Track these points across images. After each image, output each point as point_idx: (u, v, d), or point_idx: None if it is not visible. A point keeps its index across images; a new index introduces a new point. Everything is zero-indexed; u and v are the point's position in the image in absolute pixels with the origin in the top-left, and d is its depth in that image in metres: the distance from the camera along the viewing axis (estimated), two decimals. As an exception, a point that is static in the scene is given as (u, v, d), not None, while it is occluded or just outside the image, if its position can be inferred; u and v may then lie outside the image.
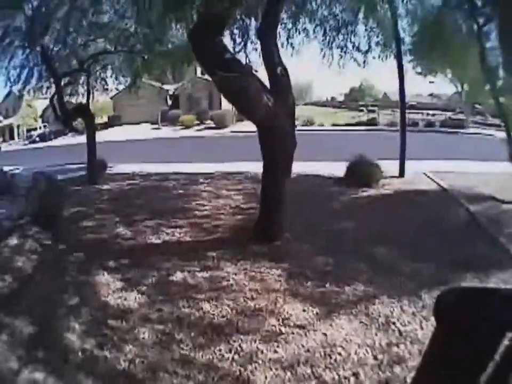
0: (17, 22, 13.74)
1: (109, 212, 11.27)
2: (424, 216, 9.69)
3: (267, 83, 7.98)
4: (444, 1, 11.49)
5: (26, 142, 59.60)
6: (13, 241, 8.37)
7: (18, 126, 69.42)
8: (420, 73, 19.28)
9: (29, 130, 63.10)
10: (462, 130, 37.04)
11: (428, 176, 14.32)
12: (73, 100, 20.55)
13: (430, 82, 22.22)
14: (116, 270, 7.15)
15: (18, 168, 23.33)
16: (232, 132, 38.34)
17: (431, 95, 71.87)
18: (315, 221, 9.44)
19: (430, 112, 53.95)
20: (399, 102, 16.42)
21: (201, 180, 14.87)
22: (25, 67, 16.11)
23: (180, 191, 13.35)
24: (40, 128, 61.81)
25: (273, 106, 7.47)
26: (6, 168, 21.63)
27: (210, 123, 46.64)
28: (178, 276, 6.72)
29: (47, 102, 22.85)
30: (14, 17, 13.36)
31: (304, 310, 5.47)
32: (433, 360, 1.59)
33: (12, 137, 71.00)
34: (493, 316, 1.40)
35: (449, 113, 51.28)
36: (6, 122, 72.78)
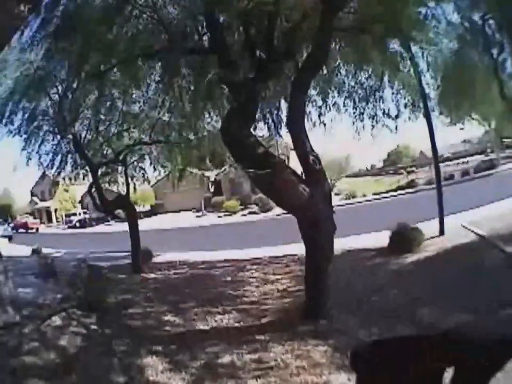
0: (43, 106, 14.29)
1: (156, 300, 11.32)
2: (464, 270, 9.83)
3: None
4: (459, 41, 11.64)
5: (65, 226, 60.49)
6: (58, 322, 8.55)
7: (56, 210, 70.55)
8: (449, 123, 19.36)
9: (67, 215, 64.08)
10: (494, 171, 40.24)
11: (466, 228, 14.47)
12: (113, 188, 20.74)
13: (460, 129, 22.24)
14: (164, 354, 7.20)
15: (59, 252, 23.73)
16: (276, 215, 38.04)
17: (464, 141, 72.02)
18: (360, 294, 9.48)
19: (465, 159, 54.36)
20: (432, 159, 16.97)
21: (248, 266, 14.79)
22: (57, 153, 16.49)
23: (228, 279, 13.24)
24: (79, 214, 62.52)
25: (310, 196, 7.63)
26: (45, 251, 22.10)
27: (254, 207, 46.54)
28: (226, 359, 6.72)
29: (85, 187, 23.24)
30: (39, 100, 13.80)
31: (349, 379, 5.47)
32: None
33: (50, 220, 72.40)
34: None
35: (480, 157, 51.87)
36: (42, 205, 74.36)
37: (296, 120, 8.19)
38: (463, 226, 14.77)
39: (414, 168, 63.61)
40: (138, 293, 12.32)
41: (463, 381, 1.35)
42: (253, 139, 7.87)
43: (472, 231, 13.71)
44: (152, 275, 15.18)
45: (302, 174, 8.34)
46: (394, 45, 10.56)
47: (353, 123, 12.36)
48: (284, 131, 12.65)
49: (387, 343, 1.55)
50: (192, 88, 10.74)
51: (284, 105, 12.37)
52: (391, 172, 74.51)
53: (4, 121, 13.72)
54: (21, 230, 58.31)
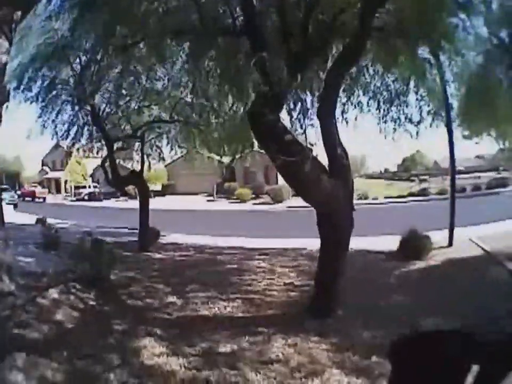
0: (63, 75, 14.13)
1: (159, 281, 11.23)
2: (466, 282, 9.90)
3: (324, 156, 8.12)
4: (485, 56, 11.49)
5: (74, 198, 60.73)
6: (55, 295, 8.45)
7: (66, 181, 70.58)
8: (466, 137, 19.34)
9: (77, 187, 63.84)
10: (504, 189, 41.48)
11: (474, 242, 14.56)
12: (128, 165, 20.89)
13: (475, 143, 22.26)
14: (162, 337, 7.13)
15: (65, 223, 23.76)
16: (288, 206, 38.58)
17: (477, 157, 72.28)
18: (367, 297, 9.35)
19: (477, 174, 54.81)
20: (449, 170, 17.12)
21: (256, 256, 14.66)
22: (73, 124, 16.34)
23: (234, 266, 13.18)
24: (89, 187, 62.39)
25: (333, 190, 7.58)
26: (51, 221, 22.03)
27: (266, 197, 46.74)
28: (226, 348, 6.66)
29: (97, 161, 23.15)
30: (60, 69, 13.74)
31: (348, 382, 5.46)
32: None
33: (58, 191, 72.42)
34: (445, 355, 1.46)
35: (492, 174, 52.49)
36: (53, 175, 74.48)
37: (327, 110, 8.10)
38: (471, 240, 14.85)
39: (426, 177, 63.94)
40: (142, 271, 12.28)
41: (486, 378, 1.37)
42: (281, 125, 7.77)
43: (479, 246, 13.82)
44: (158, 255, 15.13)
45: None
46: (423, 51, 10.43)
47: (378, 124, 12.25)
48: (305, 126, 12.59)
49: (422, 337, 1.62)
50: (218, 70, 10.68)
51: (308, 98, 12.30)
52: (404, 177, 75.08)
53: (22, 87, 13.62)
54: (28, 199, 58.77)
